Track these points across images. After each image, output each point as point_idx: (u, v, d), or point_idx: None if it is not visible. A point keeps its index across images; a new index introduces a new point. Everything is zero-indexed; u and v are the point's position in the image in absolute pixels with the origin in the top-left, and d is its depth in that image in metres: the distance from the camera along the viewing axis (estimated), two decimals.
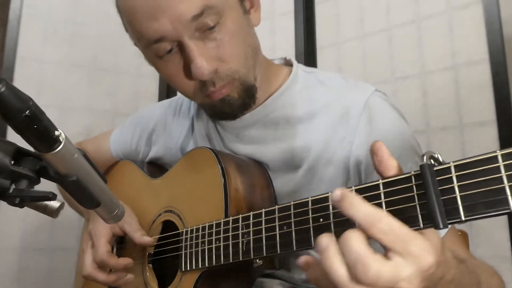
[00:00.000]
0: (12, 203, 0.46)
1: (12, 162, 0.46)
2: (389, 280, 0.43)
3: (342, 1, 1.65)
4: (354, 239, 0.44)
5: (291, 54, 1.69)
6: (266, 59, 0.86)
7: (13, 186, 0.46)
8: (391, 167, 0.50)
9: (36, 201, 0.50)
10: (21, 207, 0.48)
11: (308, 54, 1.66)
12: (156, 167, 1.03)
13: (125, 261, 0.86)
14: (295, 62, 0.88)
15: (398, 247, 0.44)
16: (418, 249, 0.44)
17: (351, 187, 0.52)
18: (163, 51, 0.73)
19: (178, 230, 0.83)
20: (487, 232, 1.25)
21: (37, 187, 0.48)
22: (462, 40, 1.36)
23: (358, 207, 0.45)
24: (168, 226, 0.88)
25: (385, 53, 1.51)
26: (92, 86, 1.82)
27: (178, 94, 0.92)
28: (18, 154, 0.47)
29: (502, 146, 1.24)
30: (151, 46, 0.73)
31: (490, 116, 1.28)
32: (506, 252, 1.21)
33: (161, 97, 1.95)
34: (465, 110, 1.33)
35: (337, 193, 0.47)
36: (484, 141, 1.28)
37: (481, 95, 1.30)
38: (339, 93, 0.81)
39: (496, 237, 1.24)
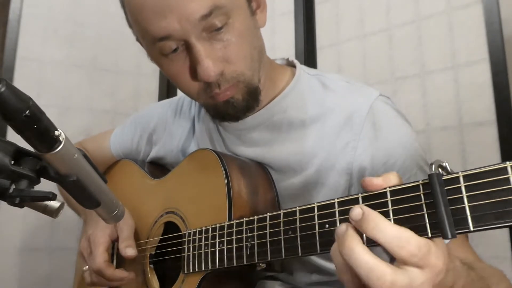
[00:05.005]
0: (12, 203, 0.46)
1: (12, 162, 0.46)
2: None
3: (342, 1, 1.65)
4: (361, 252, 0.44)
5: (291, 54, 1.69)
6: (269, 60, 0.85)
7: (13, 186, 0.45)
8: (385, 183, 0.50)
9: (36, 201, 0.49)
10: (21, 207, 0.48)
11: (308, 54, 1.66)
12: (157, 168, 1.03)
13: (121, 274, 0.86)
14: (298, 64, 0.87)
15: (421, 262, 0.44)
16: (434, 258, 0.44)
17: (358, 194, 0.52)
18: (169, 49, 0.72)
19: (180, 231, 0.82)
20: (487, 232, 1.24)
21: (37, 187, 0.47)
22: (462, 40, 1.36)
23: (385, 230, 0.44)
24: (170, 227, 0.87)
25: (385, 53, 1.51)
26: (92, 86, 1.82)
27: (179, 94, 0.92)
28: (18, 154, 0.46)
29: (502, 146, 1.24)
30: (156, 44, 0.72)
31: (490, 116, 1.27)
32: (506, 252, 1.21)
33: (161, 97, 1.95)
34: (465, 110, 1.33)
35: (357, 211, 0.45)
36: (484, 141, 1.27)
37: (481, 95, 1.30)
38: (343, 98, 0.80)
39: (496, 237, 1.23)
